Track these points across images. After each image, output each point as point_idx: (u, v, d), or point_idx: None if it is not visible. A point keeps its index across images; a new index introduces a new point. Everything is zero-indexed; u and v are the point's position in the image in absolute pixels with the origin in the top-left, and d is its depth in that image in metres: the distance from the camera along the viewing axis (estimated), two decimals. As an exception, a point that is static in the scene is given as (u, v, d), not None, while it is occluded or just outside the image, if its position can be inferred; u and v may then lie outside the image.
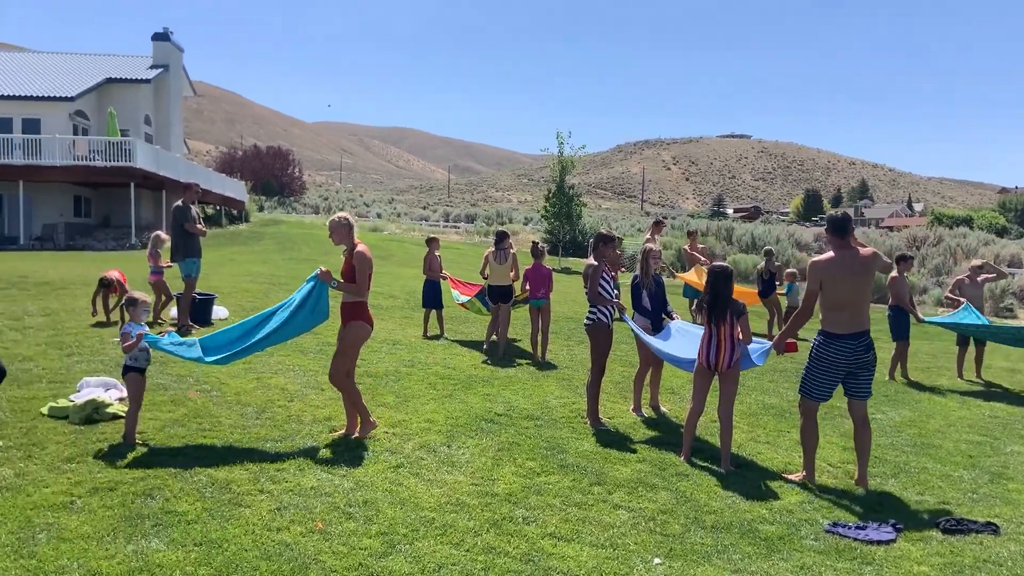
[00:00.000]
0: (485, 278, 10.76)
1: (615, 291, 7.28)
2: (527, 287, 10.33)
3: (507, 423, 6.80)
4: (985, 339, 10.37)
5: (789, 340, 6.06)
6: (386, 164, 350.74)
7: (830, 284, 5.58)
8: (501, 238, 10.64)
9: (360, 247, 6.10)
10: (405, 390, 7.74)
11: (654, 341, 7.18)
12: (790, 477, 5.80)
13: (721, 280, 6.11)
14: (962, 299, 10.50)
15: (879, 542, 4.66)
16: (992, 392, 9.67)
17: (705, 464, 6.03)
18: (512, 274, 10.53)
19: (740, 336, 6.11)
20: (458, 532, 4.46)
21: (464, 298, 11.79)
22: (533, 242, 10.74)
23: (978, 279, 10.71)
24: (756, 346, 6.44)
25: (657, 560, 4.28)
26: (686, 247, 15.34)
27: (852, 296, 5.56)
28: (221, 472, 5.11)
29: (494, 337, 10.40)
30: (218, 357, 5.83)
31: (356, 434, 6.08)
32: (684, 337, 7.11)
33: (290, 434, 6.09)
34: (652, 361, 7.70)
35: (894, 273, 10.07)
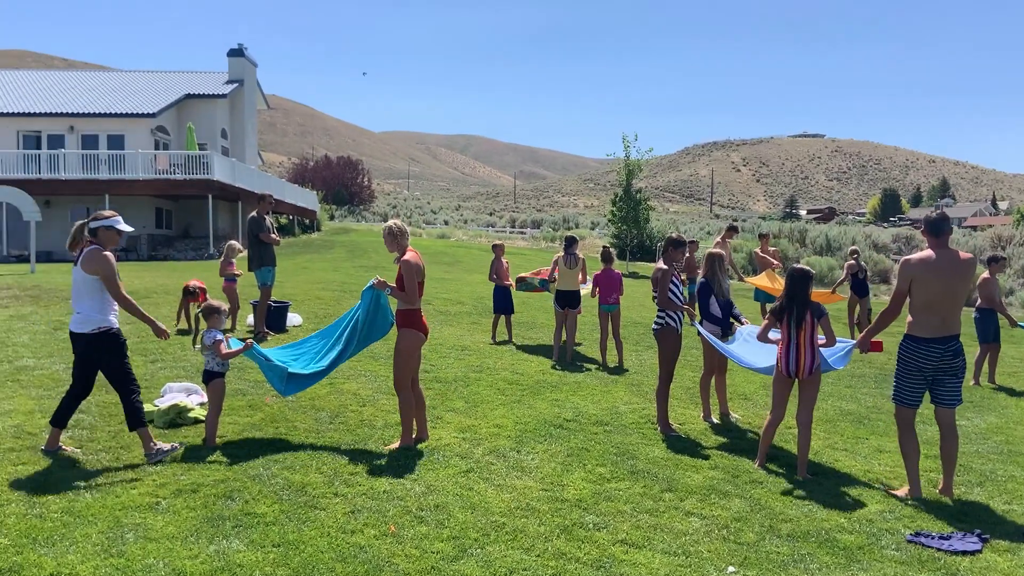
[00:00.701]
0: (553, 282, 10.78)
1: (684, 296, 7.21)
2: (597, 292, 10.32)
3: (576, 428, 6.79)
4: None
5: (874, 339, 5.91)
6: (452, 171, 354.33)
7: (921, 284, 5.41)
8: (570, 243, 10.66)
9: (408, 255, 6.02)
10: (474, 395, 7.80)
11: (725, 346, 7.08)
12: (895, 492, 5.54)
13: (799, 282, 5.96)
14: None
15: (964, 553, 4.48)
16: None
17: (780, 471, 5.90)
18: (580, 278, 10.54)
19: (823, 339, 5.96)
20: (528, 537, 4.47)
21: (533, 279, 12.07)
22: (604, 247, 10.76)
23: None
24: (839, 346, 6.30)
25: (731, 569, 4.20)
26: (757, 250, 15.05)
27: (944, 299, 5.39)
28: (297, 475, 5.24)
29: (563, 341, 10.39)
30: (296, 391, 6.36)
31: (396, 444, 6.00)
32: (755, 343, 6.98)
33: (363, 438, 6.21)
34: (717, 367, 7.59)
35: (985, 274, 9.74)
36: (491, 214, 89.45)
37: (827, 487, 5.60)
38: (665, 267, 7.07)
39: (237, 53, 35.63)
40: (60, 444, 5.60)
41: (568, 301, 10.41)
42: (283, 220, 37.18)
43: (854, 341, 6.14)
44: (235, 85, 34.78)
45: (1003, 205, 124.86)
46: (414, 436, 6.17)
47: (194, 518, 4.50)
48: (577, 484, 5.39)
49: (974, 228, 52.22)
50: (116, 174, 27.70)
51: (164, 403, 6.59)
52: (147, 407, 6.55)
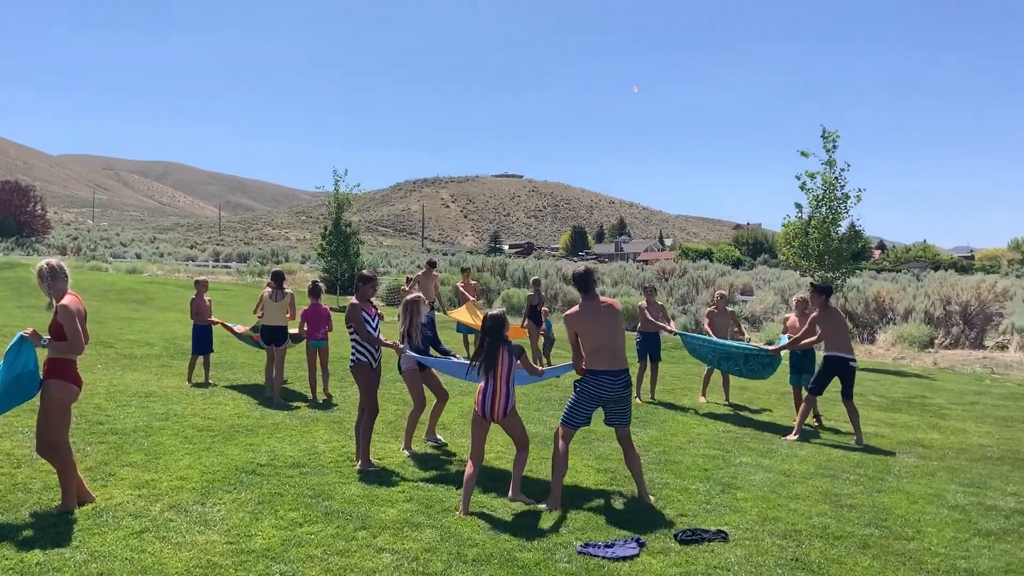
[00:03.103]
0: (260, 318, 10.36)
1: (377, 330, 7.34)
2: (305, 327, 10.16)
3: (270, 473, 6.53)
4: (719, 365, 10.65)
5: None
6: (148, 200, 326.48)
7: (584, 331, 6.20)
8: (277, 277, 10.36)
9: (66, 299, 5.30)
10: (156, 446, 7.18)
11: (439, 363, 7.48)
12: (540, 506, 6.01)
13: (496, 325, 6.24)
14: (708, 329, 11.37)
15: (625, 558, 5.00)
16: (728, 409, 10.75)
17: (473, 498, 6.14)
18: (288, 315, 10.25)
19: (528, 371, 6.45)
20: (207, 596, 4.19)
21: (239, 330, 11.36)
22: (313, 281, 10.63)
23: (726, 308, 11.74)
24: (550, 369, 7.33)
25: (417, 600, 4.28)
26: (459, 284, 15.69)
27: (605, 339, 6.19)
28: (-80, 558, 4.43)
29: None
30: None
31: (57, 506, 5.36)
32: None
33: (15, 505, 5.43)
34: (435, 399, 7.86)
35: (642, 303, 11.22)
36: (192, 247, 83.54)
37: (513, 508, 5.95)
38: (356, 302, 7.15)
39: None
40: None
41: (274, 337, 10.06)
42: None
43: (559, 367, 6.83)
44: None
45: (668, 242, 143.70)
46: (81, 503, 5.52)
47: None
48: (267, 532, 5.18)
49: (646, 262, 59.16)
50: None
51: None
52: None
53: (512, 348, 6.21)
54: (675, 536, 5.44)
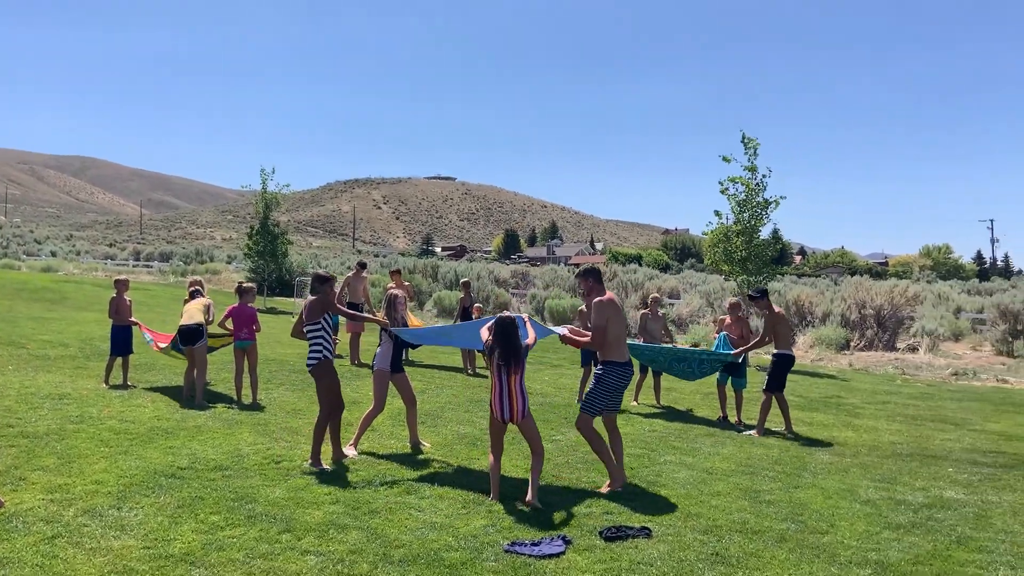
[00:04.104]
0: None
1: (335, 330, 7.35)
2: (229, 327, 9.96)
3: (191, 477, 6.37)
4: (670, 370, 10.85)
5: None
6: (64, 197, 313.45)
7: (614, 317, 6.60)
8: (194, 285, 10.37)
9: None
10: (70, 450, 6.92)
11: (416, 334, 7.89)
12: (602, 489, 6.55)
13: (505, 331, 6.26)
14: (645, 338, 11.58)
15: (551, 555, 5.06)
16: (654, 409, 10.96)
17: (399, 499, 6.11)
18: (205, 315, 10.01)
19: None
20: (122, 602, 4.06)
21: (162, 344, 10.95)
22: (240, 282, 10.44)
23: (658, 312, 12.00)
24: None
25: (342, 602, 4.24)
26: (390, 286, 15.54)
27: (623, 331, 6.74)
28: None
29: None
30: None
31: None
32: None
33: (-87, 513, 5.15)
34: (404, 406, 7.93)
35: (582, 307, 11.29)
36: (111, 245, 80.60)
37: (441, 508, 5.94)
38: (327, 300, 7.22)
39: None
40: None
41: (189, 338, 9.80)
42: None
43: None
44: None
45: (599, 246, 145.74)
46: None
47: None
48: (186, 537, 5.05)
49: (577, 266, 59.82)
50: None
51: None
52: None
53: (524, 351, 6.36)
54: (600, 533, 5.52)
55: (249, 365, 9.93)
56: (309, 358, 7.14)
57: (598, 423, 6.92)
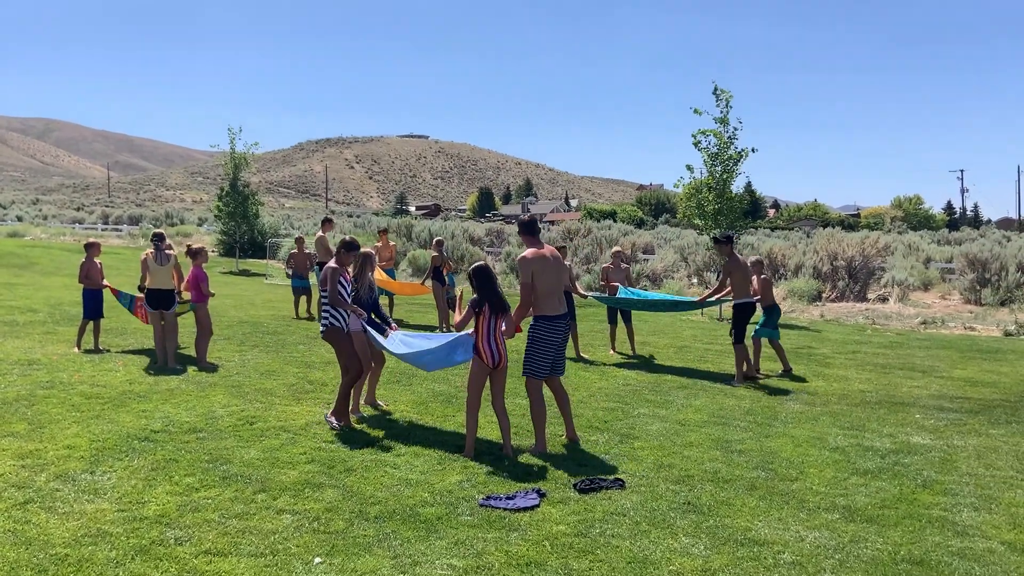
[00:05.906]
0: (142, 288, 9.92)
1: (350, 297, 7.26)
2: (208, 292, 9.90)
3: (165, 440, 6.34)
4: (645, 310, 12.44)
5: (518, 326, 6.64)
6: (28, 160, 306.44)
7: (539, 272, 6.39)
8: (159, 238, 9.94)
9: None
10: (41, 415, 6.86)
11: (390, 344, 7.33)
12: (528, 450, 6.44)
13: (492, 273, 6.43)
14: (615, 284, 11.85)
15: (525, 508, 5.12)
16: (629, 363, 11.05)
17: (375, 456, 6.13)
18: (174, 278, 9.86)
19: (504, 329, 6.36)
20: (96, 565, 4.06)
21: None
22: (188, 245, 10.23)
23: (621, 264, 12.20)
24: (450, 339, 6.87)
25: (318, 560, 4.27)
26: (377, 245, 15.34)
27: (557, 284, 6.50)
28: None
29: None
30: None
31: None
32: (410, 346, 7.33)
33: None
34: (375, 359, 7.79)
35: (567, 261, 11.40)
36: (79, 209, 79.02)
37: (416, 465, 5.97)
38: (335, 266, 7.09)
39: None
40: None
41: (161, 302, 9.68)
42: None
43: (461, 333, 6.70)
44: None
45: (574, 202, 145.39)
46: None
47: None
48: (160, 499, 5.04)
49: (552, 223, 59.74)
50: None
51: None
52: None
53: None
54: (574, 486, 5.59)
55: (200, 326, 9.81)
56: (320, 324, 7.26)
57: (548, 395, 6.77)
